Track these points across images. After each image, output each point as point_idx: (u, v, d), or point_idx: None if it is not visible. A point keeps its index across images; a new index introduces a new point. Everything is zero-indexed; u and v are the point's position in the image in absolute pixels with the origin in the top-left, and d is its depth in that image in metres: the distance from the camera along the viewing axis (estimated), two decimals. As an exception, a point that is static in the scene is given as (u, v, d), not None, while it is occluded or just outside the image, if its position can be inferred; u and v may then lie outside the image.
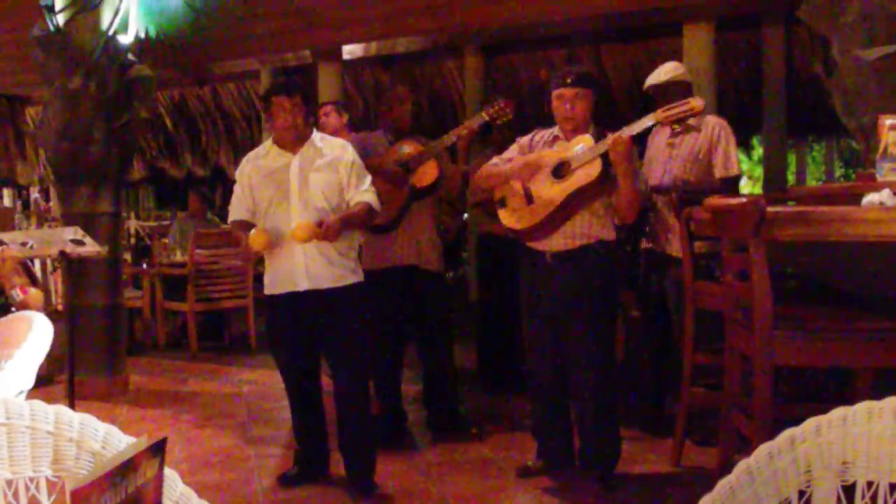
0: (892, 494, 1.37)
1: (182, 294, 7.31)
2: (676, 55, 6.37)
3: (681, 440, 4.06)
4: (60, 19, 5.65)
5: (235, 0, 7.03)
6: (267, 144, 3.89)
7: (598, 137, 3.64)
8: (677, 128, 4.46)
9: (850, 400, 1.44)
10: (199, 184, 11.19)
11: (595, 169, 3.58)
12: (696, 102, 3.50)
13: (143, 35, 5.96)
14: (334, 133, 4.86)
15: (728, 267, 3.18)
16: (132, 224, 11.35)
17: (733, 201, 2.98)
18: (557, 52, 9.80)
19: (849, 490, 1.40)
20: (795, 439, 1.41)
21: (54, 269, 6.63)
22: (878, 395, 1.44)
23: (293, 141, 3.77)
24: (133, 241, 10.70)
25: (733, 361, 3.30)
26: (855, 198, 3.03)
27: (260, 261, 4.11)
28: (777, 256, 3.07)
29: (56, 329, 3.87)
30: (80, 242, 4.27)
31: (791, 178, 13.28)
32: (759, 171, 14.45)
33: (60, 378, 5.31)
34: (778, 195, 5.85)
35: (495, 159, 4.02)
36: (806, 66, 8.93)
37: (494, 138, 5.55)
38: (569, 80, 3.72)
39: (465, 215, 8.50)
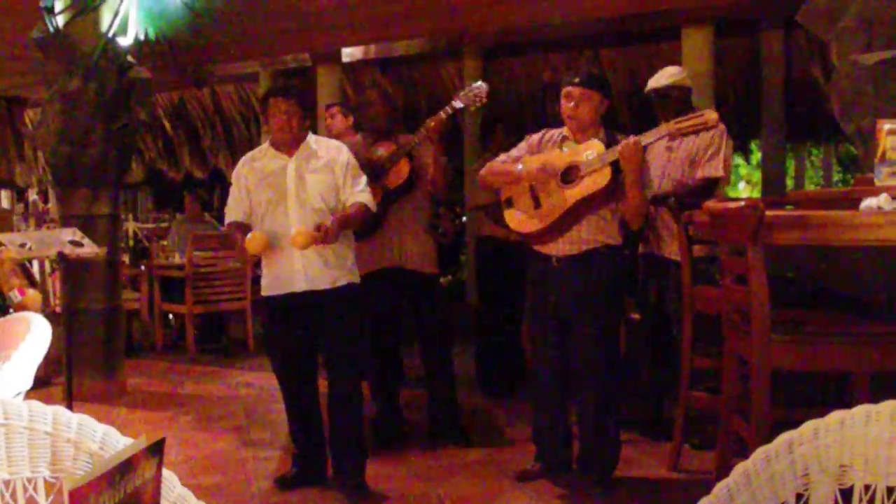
0: (889, 497, 1.37)
1: (180, 296, 7.30)
2: (675, 59, 6.37)
3: (679, 444, 4.06)
4: (60, 21, 5.65)
5: (235, 2, 7.04)
6: (264, 147, 3.92)
7: (609, 142, 3.64)
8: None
9: (847, 404, 1.45)
10: (196, 186, 11.18)
11: (604, 177, 3.57)
12: (711, 115, 3.46)
13: (142, 37, 5.96)
14: (339, 135, 4.85)
15: (726, 271, 3.19)
16: (130, 226, 11.33)
17: (732, 205, 2.98)
18: (556, 56, 9.80)
19: (846, 493, 1.40)
20: (793, 443, 1.41)
21: (52, 271, 6.62)
22: (875, 398, 1.45)
23: (288, 143, 3.81)
24: (131, 242, 10.69)
25: (731, 365, 3.31)
26: (853, 202, 3.03)
27: (258, 263, 4.11)
28: (775, 260, 3.08)
29: (54, 331, 3.86)
30: (78, 244, 4.27)
31: (790, 182, 13.30)
32: (757, 176, 14.45)
33: (58, 380, 5.30)
34: (776, 199, 5.86)
35: (503, 156, 4.01)
36: (804, 70, 8.94)
37: (494, 142, 5.56)
38: (576, 80, 3.73)
39: (464, 218, 8.50)
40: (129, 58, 5.86)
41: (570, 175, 3.68)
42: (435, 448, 4.50)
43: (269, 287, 3.86)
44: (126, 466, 0.94)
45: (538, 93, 9.97)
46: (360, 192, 3.84)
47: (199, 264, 7.23)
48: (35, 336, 3.66)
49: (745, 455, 1.46)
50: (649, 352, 4.71)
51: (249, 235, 3.69)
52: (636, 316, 4.94)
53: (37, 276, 6.12)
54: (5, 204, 14.63)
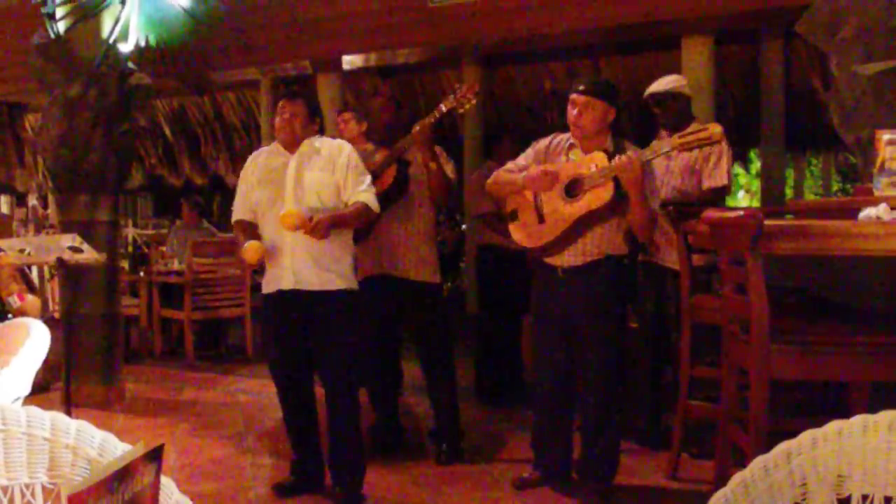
0: (886, 508, 1.37)
1: (179, 302, 7.30)
2: (676, 69, 6.39)
3: (677, 453, 4.06)
4: (61, 27, 5.66)
5: (236, 10, 7.06)
6: (273, 144, 3.95)
7: (617, 149, 3.62)
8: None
9: (845, 414, 1.45)
10: (195, 192, 11.19)
11: (606, 193, 3.55)
12: (716, 129, 3.43)
13: (143, 44, 5.97)
14: (353, 140, 4.82)
15: (725, 280, 3.19)
16: (130, 232, 11.33)
17: (731, 214, 2.98)
18: (557, 65, 9.83)
19: (844, 503, 1.40)
20: (791, 452, 1.42)
21: (52, 277, 6.62)
22: (874, 409, 1.45)
23: (289, 142, 3.81)
24: (131, 249, 10.69)
25: (730, 375, 3.31)
26: (852, 212, 3.03)
27: (258, 270, 4.11)
28: (774, 270, 3.08)
29: (53, 336, 3.86)
30: (77, 250, 4.27)
31: (789, 191, 13.31)
32: (757, 185, 14.47)
33: (57, 386, 5.30)
34: (776, 209, 5.87)
35: (510, 164, 4.00)
36: (804, 80, 8.97)
37: (500, 152, 5.54)
38: (580, 88, 3.71)
39: (464, 226, 8.50)
40: (130, 64, 5.86)
41: (573, 189, 3.66)
42: (433, 457, 4.48)
43: (265, 285, 3.88)
44: (124, 473, 0.94)
45: (540, 102, 10.01)
46: (361, 192, 3.79)
47: (198, 271, 7.23)
48: (34, 341, 3.67)
49: (743, 465, 1.46)
50: (648, 361, 4.70)
51: (246, 245, 3.70)
52: (635, 325, 4.94)
53: (36, 281, 6.12)
54: (5, 209, 14.64)
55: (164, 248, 8.63)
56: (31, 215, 12.72)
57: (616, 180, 3.52)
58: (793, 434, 1.44)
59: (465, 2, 6.92)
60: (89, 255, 4.35)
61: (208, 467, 4.37)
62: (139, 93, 5.92)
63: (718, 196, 4.44)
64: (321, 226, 3.60)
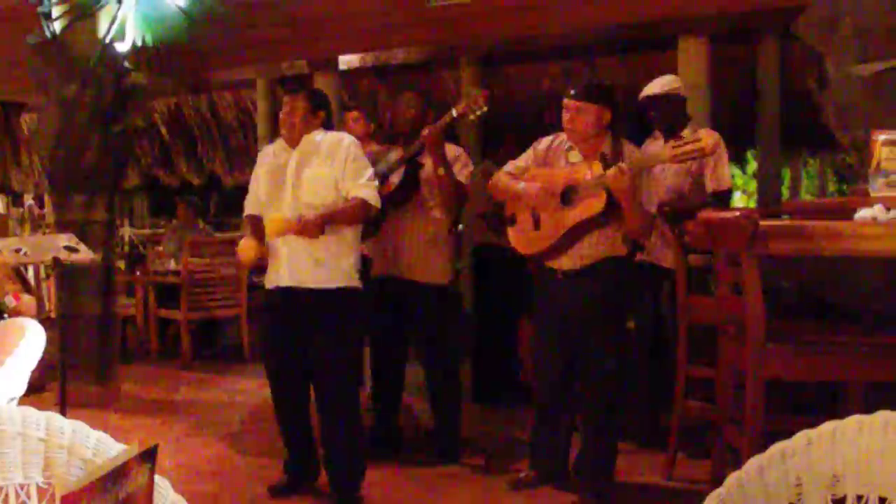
0: (881, 508, 1.37)
1: (175, 302, 7.29)
2: (671, 69, 6.38)
3: (674, 453, 4.06)
4: (57, 27, 5.65)
5: (232, 9, 7.04)
6: (280, 141, 3.92)
7: (615, 151, 3.62)
8: (671, 141, 4.47)
9: (841, 414, 1.45)
10: (191, 193, 11.18)
11: (599, 202, 3.55)
12: (708, 142, 3.41)
13: (139, 43, 5.96)
14: (360, 140, 4.79)
15: (721, 280, 3.19)
16: (126, 232, 11.32)
17: (727, 215, 2.98)
18: (554, 65, 9.82)
19: (839, 503, 1.40)
20: (786, 453, 1.42)
21: (48, 277, 6.61)
22: (868, 409, 1.45)
23: (289, 136, 3.78)
24: (127, 248, 10.68)
25: (726, 375, 3.31)
26: (848, 212, 3.04)
27: (255, 270, 4.10)
28: (770, 270, 3.08)
29: (49, 336, 3.86)
30: (73, 249, 4.27)
31: (785, 192, 13.31)
32: (753, 186, 14.47)
33: (52, 386, 5.29)
34: (772, 209, 5.87)
35: (510, 166, 4.00)
36: (800, 81, 8.95)
37: (503, 152, 5.53)
38: (571, 92, 3.72)
39: (461, 226, 8.49)
40: (127, 64, 5.85)
41: (568, 196, 3.66)
42: (431, 456, 4.48)
43: (266, 280, 3.87)
44: (119, 472, 0.94)
45: (538, 101, 10.00)
46: (360, 187, 3.71)
47: (194, 271, 7.22)
48: (29, 341, 3.67)
49: (739, 465, 1.46)
50: (645, 361, 4.71)
51: (241, 243, 3.71)
52: (631, 325, 4.93)
53: (32, 281, 6.11)
54: (1, 209, 14.62)
55: (160, 248, 8.62)
56: (28, 215, 12.70)
57: (608, 189, 3.51)
58: (788, 434, 1.44)
59: (462, 2, 6.92)
60: (85, 254, 4.35)
61: (204, 467, 4.36)
62: (135, 92, 5.91)
63: (725, 199, 4.44)
64: (309, 225, 3.58)
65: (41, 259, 4.52)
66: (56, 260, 4.22)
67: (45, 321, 4.50)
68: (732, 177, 4.53)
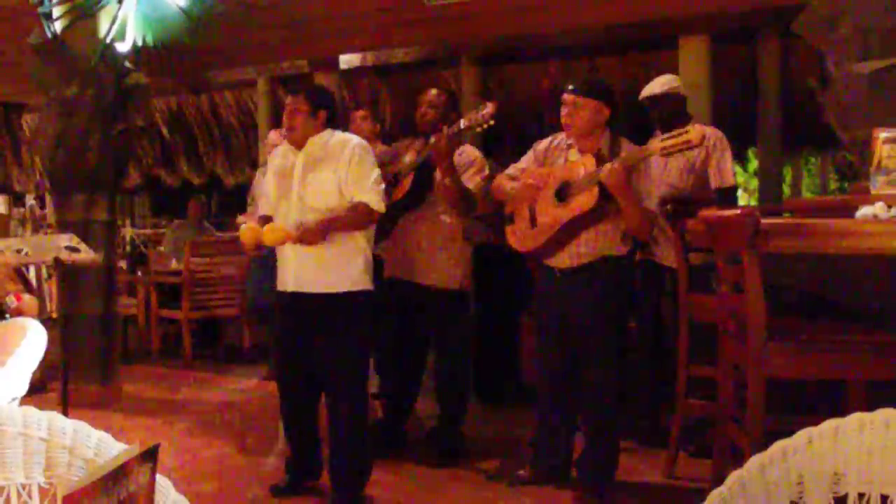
0: (883, 506, 1.37)
1: (177, 302, 7.30)
2: (672, 68, 6.39)
3: (675, 452, 4.06)
4: (58, 27, 5.65)
5: (233, 9, 7.05)
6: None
7: (612, 148, 3.63)
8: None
9: (842, 413, 1.45)
10: (197, 192, 11.20)
11: (591, 198, 3.55)
12: (695, 134, 3.42)
13: (140, 43, 5.97)
14: (367, 139, 4.76)
15: (722, 279, 3.19)
16: (127, 232, 11.31)
17: (728, 213, 2.98)
18: (553, 64, 9.82)
19: (840, 501, 1.40)
20: (787, 451, 1.42)
21: (49, 277, 6.62)
22: (870, 407, 1.45)
23: (292, 138, 3.75)
24: (128, 248, 10.67)
25: (727, 373, 3.31)
26: (849, 210, 3.04)
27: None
28: (771, 268, 3.08)
29: (50, 336, 3.86)
30: (74, 249, 4.27)
31: (786, 190, 13.31)
32: (754, 184, 14.48)
33: (54, 386, 5.30)
34: (773, 207, 5.87)
35: (511, 168, 4.02)
36: (801, 79, 8.95)
37: (494, 149, 5.54)
38: (570, 87, 3.73)
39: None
40: (127, 64, 5.86)
41: (563, 192, 3.67)
42: (432, 455, 4.48)
43: (277, 281, 3.86)
44: (119, 473, 0.94)
45: (538, 101, 9.99)
46: (363, 191, 3.65)
47: (195, 270, 7.23)
48: (31, 341, 3.67)
49: (740, 463, 1.46)
50: (646, 360, 4.71)
51: (243, 227, 3.72)
52: (632, 324, 4.93)
53: (33, 281, 6.11)
54: (3, 209, 14.62)
55: (161, 248, 8.63)
56: (29, 215, 12.72)
57: (601, 185, 3.51)
58: (789, 433, 1.44)
59: (462, 1, 6.92)
60: (86, 254, 4.35)
61: (206, 467, 4.37)
62: (136, 92, 5.91)
63: (730, 196, 4.43)
64: (308, 234, 3.57)
65: (42, 259, 4.52)
66: (57, 260, 4.22)
67: (46, 321, 4.51)
68: (734, 174, 4.52)
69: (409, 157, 4.40)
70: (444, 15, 6.89)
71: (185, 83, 9.90)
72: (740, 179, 18.46)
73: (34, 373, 3.78)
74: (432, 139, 4.17)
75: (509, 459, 4.34)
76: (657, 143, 3.49)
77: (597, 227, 3.67)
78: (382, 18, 7.07)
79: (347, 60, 7.99)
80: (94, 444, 1.44)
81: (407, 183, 4.30)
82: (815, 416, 1.53)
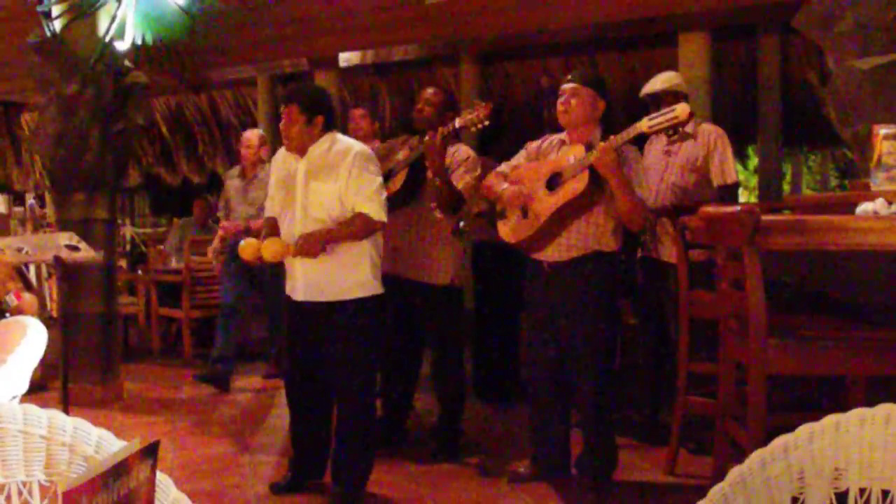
0: (884, 501, 1.37)
1: (177, 301, 7.30)
2: (672, 65, 6.40)
3: (676, 448, 4.06)
4: (57, 25, 5.65)
5: (232, 7, 7.04)
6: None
7: (595, 145, 3.64)
8: (675, 137, 4.49)
9: (843, 409, 1.45)
10: (201, 193, 11.21)
11: (582, 182, 3.56)
12: (681, 111, 3.44)
13: (139, 42, 5.96)
14: (364, 138, 4.75)
15: (723, 275, 3.19)
16: (128, 231, 11.34)
17: (728, 210, 2.98)
18: (553, 61, 9.82)
19: (841, 497, 1.40)
20: (788, 446, 1.42)
21: (49, 276, 6.62)
22: (870, 403, 1.45)
23: (291, 146, 3.72)
24: (128, 247, 10.70)
25: (728, 370, 3.31)
26: (849, 207, 3.04)
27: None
28: (772, 265, 3.08)
29: (50, 335, 3.86)
30: (74, 248, 4.27)
31: (786, 187, 13.31)
32: (754, 181, 14.47)
33: (54, 385, 5.29)
34: (773, 204, 5.87)
35: (503, 166, 4.02)
36: (801, 75, 8.96)
37: (499, 148, 5.53)
38: (568, 77, 3.77)
39: (462, 223, 8.49)
40: (127, 62, 5.85)
41: (554, 182, 3.69)
42: (431, 452, 4.48)
43: (287, 286, 3.86)
44: (119, 469, 0.94)
45: (537, 98, 9.99)
46: (363, 201, 3.62)
47: (195, 269, 7.23)
48: (31, 340, 3.66)
49: (741, 460, 1.46)
50: (647, 357, 4.71)
51: (242, 243, 3.71)
52: (633, 321, 4.92)
53: (33, 280, 6.11)
54: (3, 208, 14.62)
55: (161, 247, 8.63)
56: (30, 214, 12.72)
57: (592, 170, 3.52)
58: (791, 429, 1.44)
59: (461, -2, 6.92)
60: (87, 253, 4.34)
61: (206, 465, 4.37)
62: (136, 91, 5.91)
63: (731, 193, 4.43)
64: (305, 248, 3.56)
65: (43, 258, 4.52)
66: (57, 259, 4.22)
67: (46, 320, 4.50)
68: (736, 171, 4.52)
69: (402, 154, 4.40)
70: (443, 13, 6.88)
71: (184, 82, 9.88)
72: (740, 177, 18.45)
73: (34, 372, 3.78)
74: (426, 137, 4.17)
75: (509, 457, 4.35)
76: (645, 121, 3.53)
77: (588, 219, 3.67)
78: (382, 16, 7.07)
79: (347, 58, 7.99)
80: (95, 442, 1.44)
81: (400, 179, 4.30)
82: (815, 413, 1.53)
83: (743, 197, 18.20)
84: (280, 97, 3.86)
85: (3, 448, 1.42)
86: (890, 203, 2.86)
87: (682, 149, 4.49)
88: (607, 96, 3.81)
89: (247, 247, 3.72)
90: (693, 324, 3.94)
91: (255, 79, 10.05)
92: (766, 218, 2.77)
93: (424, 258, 4.39)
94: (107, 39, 5.69)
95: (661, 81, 4.57)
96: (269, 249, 3.63)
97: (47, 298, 6.56)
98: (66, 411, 3.95)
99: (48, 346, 3.81)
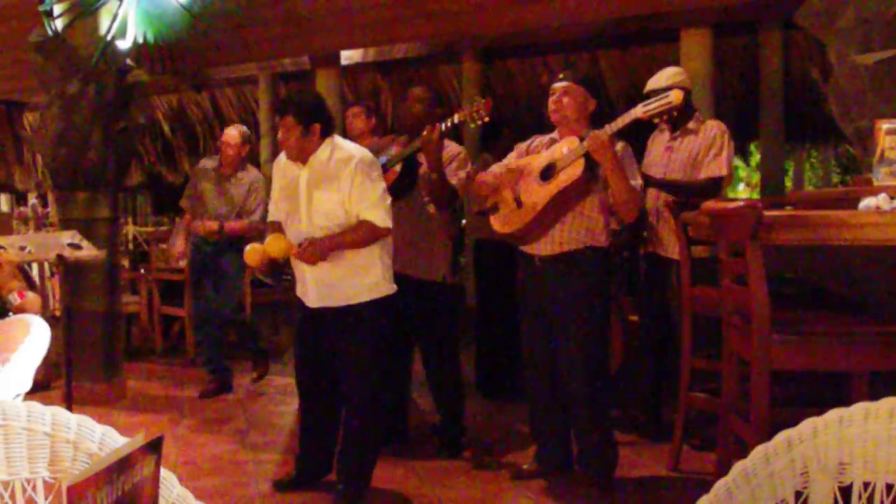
0: (888, 495, 1.37)
1: (179, 299, 7.29)
2: (674, 61, 6.38)
3: (679, 445, 4.06)
4: (59, 24, 5.65)
5: (234, 6, 7.04)
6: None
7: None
8: (677, 133, 4.48)
9: (847, 403, 1.44)
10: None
11: (578, 169, 3.59)
12: (675, 95, 3.49)
13: (141, 40, 5.96)
14: (359, 136, 4.76)
15: (725, 271, 3.19)
16: (130, 229, 11.32)
17: (730, 205, 2.98)
18: (555, 58, 9.82)
19: (846, 491, 1.40)
20: (792, 441, 1.41)
21: (52, 275, 6.63)
22: (875, 398, 1.44)
23: (292, 157, 3.71)
24: (131, 246, 10.69)
25: (731, 366, 3.30)
26: (852, 202, 3.03)
27: (266, 273, 4.06)
28: (774, 261, 3.08)
29: (53, 334, 3.86)
30: (77, 247, 4.28)
31: (788, 183, 13.30)
32: (756, 178, 14.47)
33: (58, 384, 5.30)
34: (775, 200, 5.86)
35: (494, 167, 4.04)
36: (803, 71, 8.96)
37: (500, 146, 5.52)
38: (560, 76, 3.79)
39: (464, 221, 8.49)
40: (128, 61, 5.85)
41: (548, 172, 3.71)
42: (434, 449, 4.49)
43: (297, 289, 3.87)
44: (124, 463, 0.94)
45: (538, 95, 10.00)
46: (368, 209, 3.62)
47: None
48: (34, 338, 3.67)
49: (745, 455, 1.46)
50: (650, 353, 4.70)
51: (247, 248, 3.71)
52: (634, 318, 4.92)
53: (36, 279, 6.11)
54: (5, 208, 14.63)
55: (164, 245, 8.62)
56: (32, 214, 12.73)
57: (587, 158, 3.54)
58: (794, 424, 1.43)
59: (463, -4, 6.92)
60: (89, 251, 4.35)
61: (209, 463, 4.37)
62: (137, 90, 5.92)
63: (715, 186, 4.42)
64: (308, 253, 3.57)
65: (45, 256, 4.52)
66: (60, 257, 4.22)
67: (49, 319, 4.51)
68: (736, 168, 4.52)
69: (394, 150, 4.41)
70: (444, 10, 6.88)
71: (186, 80, 9.89)
72: (742, 173, 18.47)
73: (38, 371, 3.79)
74: (424, 132, 4.16)
75: (513, 453, 4.35)
76: (640, 107, 3.57)
77: (581, 212, 3.68)
78: (383, 14, 7.06)
79: (348, 56, 7.98)
80: (99, 439, 1.44)
81: (393, 174, 4.30)
82: (819, 408, 1.53)
83: (745, 193, 18.21)
84: (275, 109, 3.83)
85: (8, 445, 1.42)
86: (893, 198, 2.86)
87: (685, 143, 4.48)
88: (598, 95, 3.86)
89: (252, 253, 3.70)
90: (696, 320, 3.93)
91: (256, 77, 10.06)
92: (768, 213, 2.77)
93: (416, 254, 4.39)
94: (108, 38, 5.69)
95: (665, 77, 4.56)
96: (274, 246, 3.63)
97: (50, 297, 6.57)
98: (70, 409, 3.95)
99: (51, 345, 3.82)
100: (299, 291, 3.84)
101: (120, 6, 5.74)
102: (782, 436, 1.42)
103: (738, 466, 1.42)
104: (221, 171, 6.01)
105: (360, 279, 3.69)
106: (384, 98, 10.93)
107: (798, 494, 1.40)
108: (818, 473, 1.40)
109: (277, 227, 3.85)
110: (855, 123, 4.24)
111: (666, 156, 4.54)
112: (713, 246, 3.86)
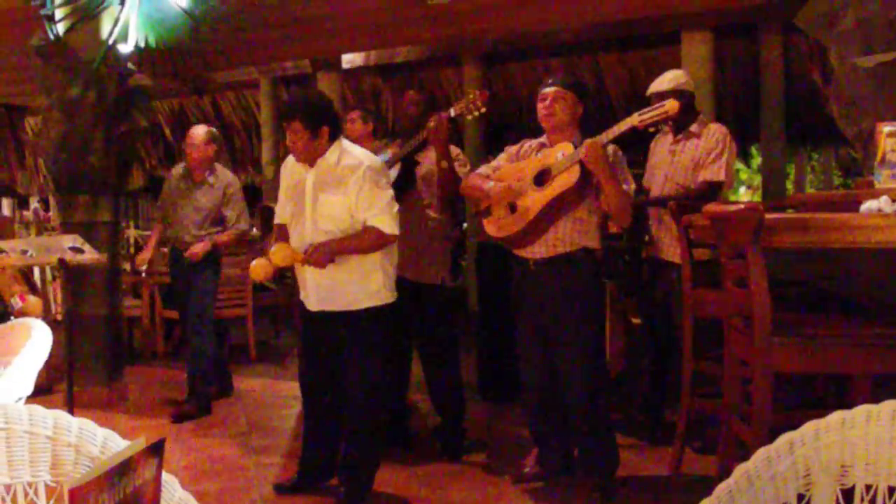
0: (890, 497, 1.37)
1: (181, 303, 7.28)
2: (675, 64, 6.39)
3: (680, 448, 4.05)
4: (60, 28, 5.66)
5: (235, 10, 7.05)
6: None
7: (581, 143, 3.66)
8: (680, 136, 4.48)
9: (849, 406, 1.44)
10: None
11: (573, 175, 3.59)
12: (671, 104, 3.49)
13: (142, 44, 5.97)
14: (357, 140, 4.76)
15: (727, 274, 3.18)
16: (131, 233, 11.33)
17: (731, 208, 2.98)
18: (556, 62, 9.83)
19: (848, 493, 1.40)
20: (794, 443, 1.41)
21: (54, 278, 6.63)
22: (877, 400, 1.44)
23: (301, 160, 3.71)
24: (132, 250, 10.69)
25: (733, 369, 3.30)
26: (853, 205, 3.03)
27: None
28: (776, 263, 3.08)
29: (55, 337, 3.86)
30: (79, 251, 4.28)
31: (790, 187, 13.29)
32: (758, 180, 14.46)
33: (59, 387, 5.30)
34: (777, 203, 5.86)
35: (483, 168, 4.04)
36: (804, 74, 8.95)
37: (496, 146, 5.54)
38: (549, 81, 3.81)
39: (465, 224, 8.49)
40: (130, 65, 5.87)
41: (542, 178, 3.71)
42: (436, 453, 4.49)
43: (300, 296, 3.87)
44: (125, 467, 0.94)
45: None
46: (374, 215, 3.61)
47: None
48: (36, 342, 3.67)
49: (747, 458, 1.46)
50: (652, 356, 4.70)
51: (253, 263, 3.71)
52: (637, 320, 4.91)
53: (38, 282, 6.12)
54: (7, 212, 14.65)
55: (165, 249, 8.62)
56: (33, 218, 12.75)
57: (582, 164, 3.55)
58: (796, 427, 1.43)
59: (464, -1, 6.93)
60: (91, 255, 4.35)
61: (211, 466, 4.37)
62: (139, 93, 5.92)
63: (713, 190, 4.42)
64: (314, 258, 3.57)
65: (47, 260, 4.53)
66: (62, 261, 4.23)
67: (51, 322, 4.51)
68: (737, 171, 4.52)
69: (391, 151, 4.41)
70: (446, 14, 6.88)
71: (187, 84, 9.91)
72: (743, 176, 18.46)
73: (39, 374, 3.78)
74: (431, 122, 4.17)
75: (514, 456, 4.35)
76: (636, 116, 3.57)
77: (574, 215, 3.68)
78: (385, 18, 7.07)
79: (350, 60, 8.00)
80: (100, 442, 1.44)
81: (391, 175, 4.29)
82: (821, 411, 1.53)
83: (746, 196, 18.21)
84: (281, 113, 3.82)
85: (10, 449, 1.42)
86: (894, 200, 2.86)
87: (687, 148, 4.48)
88: (586, 100, 3.87)
89: (258, 268, 3.69)
90: (697, 323, 3.93)
91: (257, 81, 10.06)
92: (770, 216, 2.77)
93: (414, 256, 4.37)
94: (110, 42, 5.70)
95: (667, 81, 4.56)
96: (279, 255, 3.63)
97: (52, 301, 6.57)
98: (72, 413, 3.95)
99: (53, 349, 3.82)
100: (302, 295, 3.85)
101: (121, 10, 5.75)
102: (784, 438, 1.42)
103: (740, 469, 1.42)
104: (191, 175, 5.54)
105: (361, 285, 3.70)
106: (385, 102, 10.94)
107: (800, 497, 1.40)
108: (820, 476, 1.40)
109: (283, 233, 3.85)
110: (856, 126, 4.24)
111: (668, 160, 4.54)
112: (714, 249, 3.86)
